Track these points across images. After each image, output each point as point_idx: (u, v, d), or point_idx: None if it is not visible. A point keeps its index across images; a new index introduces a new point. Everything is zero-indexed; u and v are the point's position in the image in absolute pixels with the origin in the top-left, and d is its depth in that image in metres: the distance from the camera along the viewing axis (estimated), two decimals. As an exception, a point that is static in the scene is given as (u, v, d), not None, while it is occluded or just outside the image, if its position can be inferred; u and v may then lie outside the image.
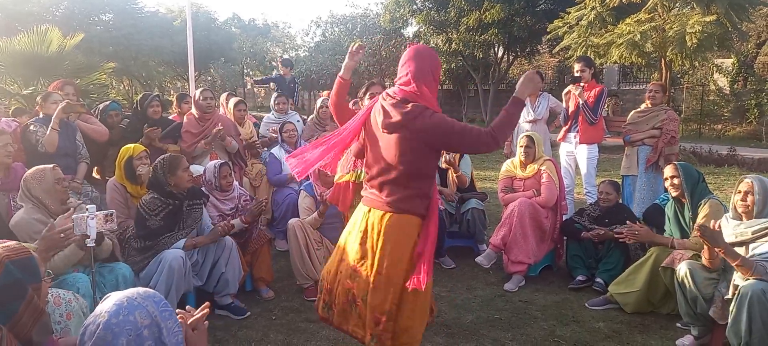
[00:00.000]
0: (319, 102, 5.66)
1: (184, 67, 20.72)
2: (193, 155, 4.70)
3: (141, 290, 1.46)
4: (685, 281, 3.13)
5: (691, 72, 16.92)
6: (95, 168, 4.77)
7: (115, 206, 3.59)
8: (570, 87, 5.38)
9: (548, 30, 13.30)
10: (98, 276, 2.96)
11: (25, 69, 7.17)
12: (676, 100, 16.38)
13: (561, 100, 5.68)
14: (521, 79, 2.52)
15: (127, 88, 22.37)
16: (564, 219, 4.51)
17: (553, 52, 17.24)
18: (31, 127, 4.08)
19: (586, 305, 3.80)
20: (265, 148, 5.59)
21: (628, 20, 10.85)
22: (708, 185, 3.66)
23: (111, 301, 1.39)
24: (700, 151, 11.02)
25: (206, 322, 1.68)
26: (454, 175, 4.79)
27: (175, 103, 5.98)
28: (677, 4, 10.68)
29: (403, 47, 20.13)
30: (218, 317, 3.57)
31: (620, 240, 3.74)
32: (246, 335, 3.38)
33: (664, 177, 3.66)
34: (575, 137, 5.41)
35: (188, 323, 1.57)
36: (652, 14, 10.83)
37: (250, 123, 5.71)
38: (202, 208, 3.62)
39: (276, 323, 3.55)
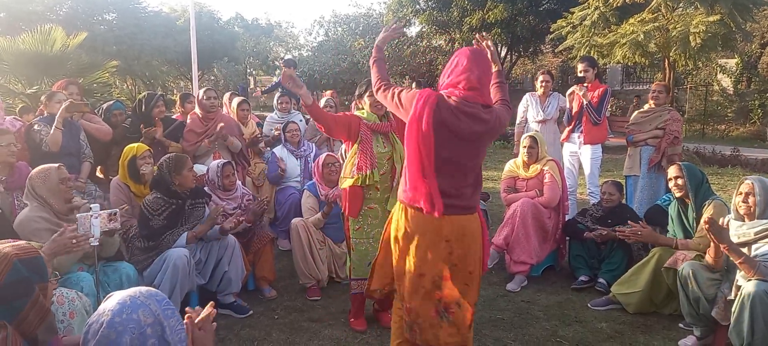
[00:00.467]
0: (322, 102, 5.66)
1: (187, 67, 20.76)
2: (196, 155, 4.71)
3: (144, 289, 1.47)
4: (688, 281, 3.13)
5: (694, 72, 16.90)
6: (99, 167, 4.78)
7: (118, 205, 3.60)
8: (574, 87, 5.38)
9: (551, 30, 13.28)
10: (102, 275, 2.97)
11: (29, 68, 7.18)
12: (679, 100, 16.34)
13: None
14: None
15: (130, 87, 22.41)
16: (567, 219, 4.51)
17: (556, 52, 17.21)
18: (36, 127, 4.09)
19: (589, 305, 3.80)
20: (268, 148, 5.60)
21: (631, 20, 10.84)
22: (711, 185, 3.66)
23: (114, 300, 1.40)
24: (704, 152, 11.00)
25: (214, 323, 1.69)
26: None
27: (178, 102, 5.99)
28: (681, 4, 10.66)
29: (406, 47, 20.17)
30: (221, 316, 3.58)
31: (622, 239, 3.74)
32: (248, 334, 3.39)
33: (668, 177, 3.66)
34: (579, 137, 5.41)
35: (195, 322, 1.58)
36: (655, 14, 10.81)
37: (253, 122, 5.72)
38: (205, 207, 3.63)
39: (278, 322, 3.56)
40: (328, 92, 6.92)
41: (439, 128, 2.37)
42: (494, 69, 2.69)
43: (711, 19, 9.51)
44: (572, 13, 12.23)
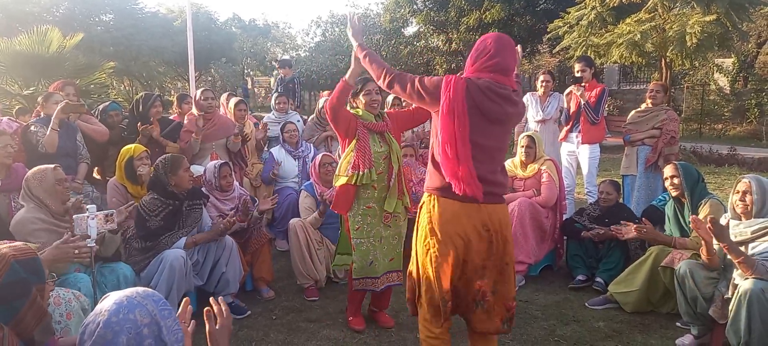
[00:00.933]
0: (320, 102, 5.66)
1: (184, 68, 20.73)
2: (193, 154, 4.70)
3: (140, 289, 1.47)
4: (685, 280, 3.13)
5: (691, 72, 16.92)
6: (96, 168, 4.78)
7: (115, 206, 3.59)
8: (571, 87, 5.39)
9: (548, 30, 13.29)
10: (99, 276, 2.96)
11: (26, 69, 7.18)
12: (676, 99, 16.37)
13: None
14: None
15: (127, 88, 22.39)
16: (564, 219, 4.51)
17: (553, 52, 17.23)
18: (32, 128, 4.08)
19: (587, 304, 3.81)
20: (266, 148, 5.59)
21: (628, 20, 10.84)
22: (708, 184, 3.67)
23: (111, 300, 1.40)
24: (701, 151, 11.02)
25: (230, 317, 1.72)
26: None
27: (175, 103, 5.98)
28: (677, 4, 10.66)
29: (403, 47, 20.17)
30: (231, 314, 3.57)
31: (620, 238, 3.74)
32: (246, 335, 3.38)
33: (664, 177, 3.67)
34: (577, 137, 5.42)
35: (214, 314, 1.61)
36: (652, 14, 10.82)
37: (250, 123, 5.71)
38: (202, 208, 3.63)
39: (276, 323, 3.55)
40: (326, 93, 6.92)
41: (471, 112, 2.32)
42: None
43: (707, 18, 9.52)
44: (569, 13, 12.24)
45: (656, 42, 10.48)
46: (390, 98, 5.64)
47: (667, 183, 3.62)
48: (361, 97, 3.21)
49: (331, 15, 33.57)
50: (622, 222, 3.74)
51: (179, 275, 3.21)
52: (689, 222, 3.49)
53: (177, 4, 27.75)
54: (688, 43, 9.59)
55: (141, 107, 4.72)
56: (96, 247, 2.77)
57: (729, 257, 2.87)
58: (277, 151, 5.15)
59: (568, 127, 5.47)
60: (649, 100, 5.25)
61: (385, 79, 2.56)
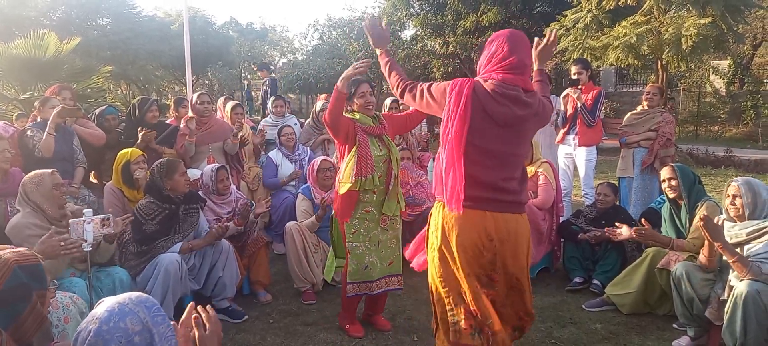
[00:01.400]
0: (318, 105, 5.67)
1: (181, 71, 20.70)
2: (189, 156, 4.70)
3: (133, 295, 1.45)
4: (682, 282, 3.14)
5: (687, 74, 16.98)
6: (92, 172, 4.77)
7: (112, 210, 3.59)
8: (568, 90, 5.40)
9: (545, 33, 13.32)
10: (95, 280, 2.96)
11: (23, 74, 7.16)
12: (672, 101, 16.42)
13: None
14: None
15: (124, 92, 22.34)
16: (561, 221, 4.52)
17: (550, 54, 17.24)
18: (29, 132, 4.08)
19: (584, 306, 3.81)
20: (263, 152, 5.59)
21: (624, 23, 10.87)
22: (705, 186, 3.68)
23: (103, 307, 1.39)
24: (697, 153, 11.05)
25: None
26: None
27: (172, 107, 5.97)
28: (673, 7, 10.69)
29: (400, 50, 20.18)
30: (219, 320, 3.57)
31: (615, 239, 3.75)
32: (244, 339, 3.38)
33: (662, 179, 3.68)
34: (574, 139, 5.43)
35: (202, 322, 1.58)
36: (647, 17, 10.84)
37: (247, 127, 5.71)
38: (199, 212, 3.62)
39: (274, 327, 3.55)
40: (323, 96, 6.93)
41: (476, 115, 2.21)
42: (535, 67, 2.53)
43: (703, 21, 9.55)
44: (565, 16, 12.27)
45: (652, 44, 10.51)
46: (387, 101, 5.65)
47: (664, 185, 3.63)
48: (355, 99, 3.18)
49: (328, 18, 33.62)
50: (616, 223, 3.75)
51: (174, 279, 3.20)
52: (686, 224, 3.51)
53: (174, 8, 27.76)
54: (684, 46, 9.62)
55: (137, 112, 4.72)
56: (92, 250, 2.77)
57: (724, 257, 2.88)
58: (275, 155, 5.15)
59: (565, 129, 5.48)
60: (645, 103, 5.27)
61: (398, 88, 2.54)
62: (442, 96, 2.31)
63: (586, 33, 11.61)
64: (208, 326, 1.59)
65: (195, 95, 4.97)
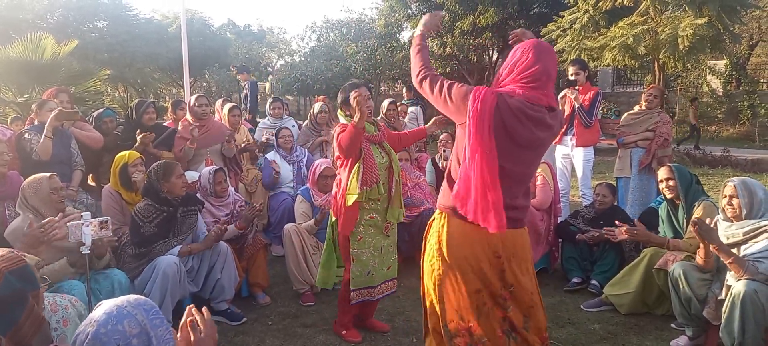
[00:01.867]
0: (316, 107, 5.67)
1: (179, 74, 20.72)
2: (187, 159, 4.70)
3: (132, 297, 1.45)
4: (679, 282, 3.15)
5: (684, 74, 17.03)
6: (90, 175, 4.76)
7: (110, 213, 3.59)
8: (565, 90, 5.41)
9: (542, 33, 13.32)
10: (93, 283, 2.95)
11: (20, 77, 7.15)
12: (669, 102, 16.46)
13: None
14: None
15: (122, 95, 22.35)
16: (559, 221, 4.53)
17: (547, 55, 17.29)
18: (26, 135, 4.07)
19: (582, 306, 3.82)
20: (261, 154, 5.60)
21: (620, 23, 10.92)
22: (702, 186, 3.69)
23: (101, 310, 1.39)
24: (694, 153, 11.09)
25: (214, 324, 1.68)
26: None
27: (170, 109, 5.98)
28: (669, 7, 10.74)
29: (398, 51, 20.19)
30: (214, 323, 3.56)
31: (613, 239, 3.76)
32: (242, 341, 3.38)
33: (659, 179, 3.69)
34: (571, 140, 5.44)
35: (197, 325, 1.58)
36: (644, 17, 10.90)
37: (244, 129, 5.72)
38: (197, 214, 3.62)
39: (272, 329, 3.55)
40: (321, 98, 6.93)
41: (498, 132, 2.08)
42: None
43: (699, 21, 9.59)
44: (562, 16, 12.31)
45: (649, 45, 10.55)
46: (386, 103, 5.65)
47: (662, 186, 3.64)
48: (353, 103, 3.08)
49: (325, 20, 33.61)
50: (616, 223, 3.76)
51: (173, 282, 3.20)
52: (683, 224, 3.52)
53: (171, 10, 27.67)
54: (681, 46, 9.66)
55: (134, 114, 4.72)
56: (90, 253, 2.76)
57: (721, 258, 2.89)
58: (272, 157, 5.15)
59: (563, 130, 5.49)
60: (644, 103, 5.28)
61: (419, 75, 2.38)
62: (462, 102, 2.16)
63: (583, 34, 11.65)
64: (203, 329, 1.58)
65: (193, 98, 4.97)
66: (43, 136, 3.95)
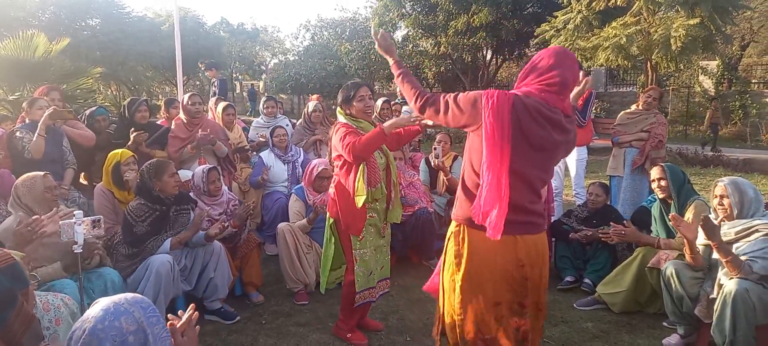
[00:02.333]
0: (310, 106, 5.66)
1: (172, 72, 20.62)
2: (181, 160, 4.68)
3: (129, 295, 1.45)
4: (671, 280, 3.17)
5: (676, 74, 17.14)
6: (82, 174, 4.74)
7: (103, 211, 3.57)
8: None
9: (536, 33, 13.41)
10: (86, 282, 2.94)
11: (11, 75, 7.10)
12: (662, 102, 16.56)
13: None
14: None
15: (115, 93, 22.21)
16: (552, 220, 4.54)
17: (540, 55, 17.37)
18: (18, 134, 4.04)
19: (575, 305, 3.84)
20: (255, 153, 5.58)
21: (613, 24, 10.98)
22: (693, 185, 3.72)
23: (99, 306, 1.39)
24: (686, 153, 11.15)
25: (197, 326, 1.68)
26: (445, 178, 4.81)
27: (163, 108, 5.95)
28: (662, 8, 10.81)
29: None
30: (208, 322, 3.56)
31: (610, 241, 3.78)
32: (236, 340, 3.37)
33: (651, 179, 3.71)
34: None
35: (177, 328, 1.57)
36: (637, 18, 10.96)
37: (238, 127, 5.70)
38: (190, 213, 3.60)
39: (266, 328, 3.54)
40: (315, 96, 6.92)
41: (514, 134, 2.04)
42: None
43: (691, 22, 9.66)
44: (556, 16, 12.36)
45: (641, 45, 10.62)
46: (379, 102, 5.65)
47: (654, 185, 3.67)
48: (354, 103, 3.06)
49: (319, 19, 33.59)
50: (611, 223, 3.78)
51: (166, 281, 3.18)
52: (675, 223, 3.54)
53: (164, 9, 27.66)
54: (673, 47, 9.73)
55: (127, 113, 4.70)
56: (82, 252, 2.75)
57: (716, 256, 2.91)
58: (267, 156, 5.14)
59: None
60: (642, 104, 5.29)
61: (417, 101, 2.32)
62: (473, 107, 2.11)
63: (576, 34, 11.71)
64: (187, 331, 1.58)
65: (186, 96, 4.94)
66: (35, 134, 3.93)
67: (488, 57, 19.62)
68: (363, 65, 20.70)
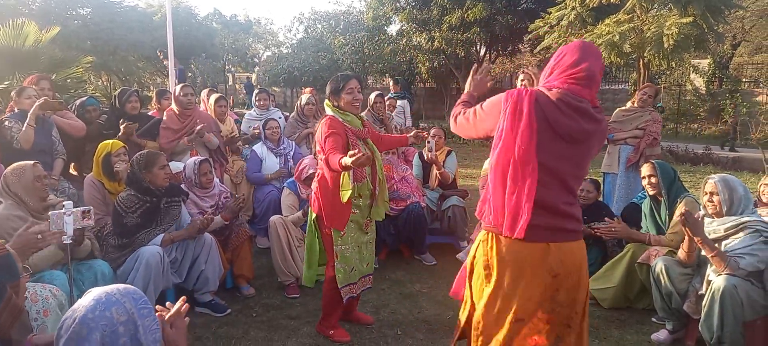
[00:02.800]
0: (303, 98, 5.64)
1: (163, 63, 20.47)
2: (172, 152, 4.66)
3: (121, 286, 1.45)
4: (661, 276, 3.20)
5: (668, 72, 17.23)
6: (72, 164, 4.70)
7: (92, 202, 3.54)
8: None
9: (529, 29, 13.42)
10: (76, 273, 2.92)
11: (0, 63, 7.01)
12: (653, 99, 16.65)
13: None
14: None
15: (105, 83, 22.03)
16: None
17: (534, 51, 17.38)
18: (6, 123, 4.00)
19: (565, 300, 3.85)
20: (247, 145, 5.56)
21: (607, 21, 11.00)
22: (683, 183, 3.74)
23: (89, 296, 1.38)
24: (677, 150, 11.24)
25: (186, 318, 1.67)
26: (438, 172, 4.82)
27: (154, 99, 5.91)
28: (655, 6, 10.84)
29: (386, 45, 20.18)
30: (198, 314, 3.55)
31: (597, 236, 3.80)
32: (226, 333, 3.36)
33: (642, 176, 3.73)
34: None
35: (166, 319, 1.56)
36: (630, 15, 10.98)
37: (231, 120, 5.67)
38: (181, 205, 3.59)
39: (257, 321, 3.53)
40: (308, 89, 6.90)
41: (541, 127, 1.95)
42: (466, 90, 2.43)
43: (684, 20, 9.70)
44: (550, 13, 12.36)
45: (634, 43, 10.64)
46: (372, 96, 5.63)
47: (644, 182, 3.69)
48: (343, 94, 3.04)
49: (313, 12, 33.46)
50: (606, 219, 3.79)
51: (155, 272, 3.17)
52: (665, 220, 3.57)
53: (156, -1, 27.35)
54: (666, 45, 9.76)
55: (117, 103, 4.66)
56: (73, 244, 2.73)
57: (703, 252, 2.93)
58: (259, 148, 5.12)
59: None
60: (637, 101, 5.30)
61: (453, 115, 2.31)
62: (496, 108, 2.05)
63: (569, 30, 11.73)
64: (176, 322, 1.58)
65: (178, 87, 4.92)
66: (25, 124, 3.89)
67: (482, 52, 19.62)
68: (356, 59, 20.64)
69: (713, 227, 3.01)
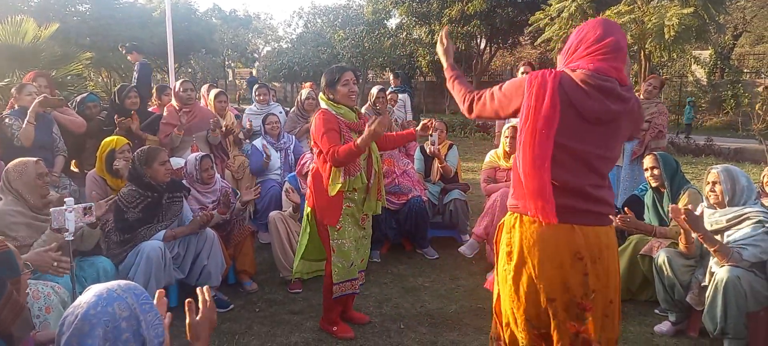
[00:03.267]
0: (304, 93, 5.62)
1: (163, 59, 20.42)
2: (172, 146, 4.65)
3: (123, 282, 1.44)
4: (663, 268, 3.19)
5: (669, 63, 17.19)
6: (73, 161, 4.70)
7: (95, 198, 3.54)
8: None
9: (530, 22, 13.36)
10: (78, 269, 2.92)
11: (0, 60, 7.01)
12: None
13: None
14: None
15: (105, 79, 22.00)
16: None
17: (534, 44, 17.34)
18: (6, 120, 3.99)
19: (567, 293, 3.85)
20: (247, 140, 5.55)
21: (607, 12, 10.95)
22: (686, 174, 3.73)
23: (91, 292, 1.38)
24: (678, 141, 11.22)
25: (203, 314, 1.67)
26: (440, 165, 4.81)
27: (154, 95, 5.90)
28: (656, -4, 10.81)
29: (385, 39, 20.13)
30: (215, 307, 3.54)
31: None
32: (229, 328, 3.36)
33: (644, 168, 3.72)
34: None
35: (199, 308, 1.56)
36: (631, 6, 10.94)
37: (231, 115, 5.66)
38: (183, 201, 3.58)
39: (259, 316, 3.54)
40: (308, 84, 6.88)
41: (563, 109, 1.89)
42: (446, 63, 2.43)
43: (685, 11, 9.66)
44: (550, 5, 12.32)
45: (635, 34, 10.60)
46: (375, 90, 5.62)
47: (647, 174, 3.68)
48: (339, 86, 2.99)
49: (313, 6, 33.39)
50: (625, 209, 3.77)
51: (157, 267, 3.17)
52: (668, 212, 3.56)
53: (155, -6, 27.28)
54: (667, 35, 9.73)
55: (117, 99, 4.65)
56: (76, 239, 2.73)
57: (705, 246, 2.93)
58: (259, 143, 5.11)
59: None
60: (642, 93, 5.26)
61: (465, 102, 2.24)
62: (518, 90, 2.02)
63: (570, 22, 11.67)
64: (201, 310, 1.59)
65: (178, 83, 4.90)
66: (25, 122, 3.88)
67: (482, 45, 19.58)
68: (356, 53, 20.60)
69: (715, 218, 3.00)
